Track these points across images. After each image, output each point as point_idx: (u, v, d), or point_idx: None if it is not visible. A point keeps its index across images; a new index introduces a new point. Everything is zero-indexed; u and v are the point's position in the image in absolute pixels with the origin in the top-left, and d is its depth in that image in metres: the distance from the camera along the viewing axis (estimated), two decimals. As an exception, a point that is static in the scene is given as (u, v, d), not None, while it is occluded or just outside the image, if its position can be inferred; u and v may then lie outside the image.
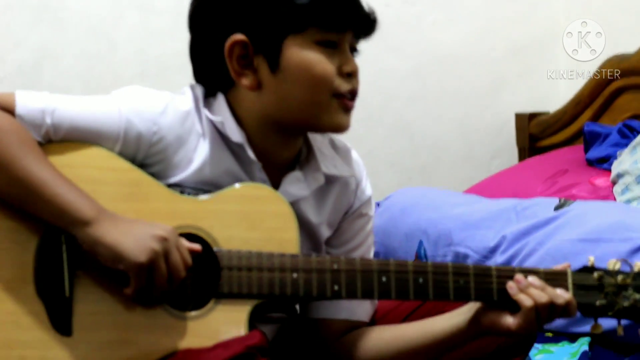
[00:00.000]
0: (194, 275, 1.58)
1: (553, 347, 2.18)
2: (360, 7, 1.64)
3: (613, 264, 1.64)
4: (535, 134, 3.53)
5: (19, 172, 1.51)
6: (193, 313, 1.57)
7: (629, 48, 3.18)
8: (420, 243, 2.64)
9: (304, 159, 1.71)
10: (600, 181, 2.90)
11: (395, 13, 3.42)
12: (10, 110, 1.55)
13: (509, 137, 3.60)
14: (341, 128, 1.65)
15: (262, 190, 1.63)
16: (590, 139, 3.12)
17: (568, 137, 3.44)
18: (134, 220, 1.54)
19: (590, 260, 1.65)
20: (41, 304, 1.53)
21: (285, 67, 1.60)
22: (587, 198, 2.76)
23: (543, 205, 2.50)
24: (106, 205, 1.54)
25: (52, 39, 3.01)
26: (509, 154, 3.60)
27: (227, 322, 1.57)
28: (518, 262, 2.36)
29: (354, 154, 1.78)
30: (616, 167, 2.87)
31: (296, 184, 1.68)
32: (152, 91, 1.64)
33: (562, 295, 1.59)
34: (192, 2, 1.67)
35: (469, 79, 3.56)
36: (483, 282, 1.60)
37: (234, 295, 1.57)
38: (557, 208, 2.47)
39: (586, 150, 3.13)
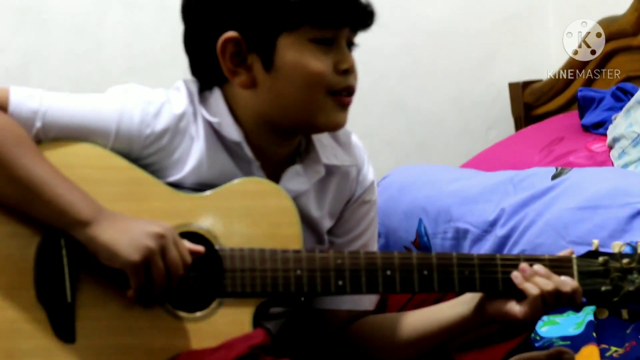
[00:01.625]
0: (196, 275, 1.55)
1: (558, 318, 2.17)
2: (356, 1, 1.58)
3: (618, 247, 1.62)
4: (529, 103, 3.51)
5: (18, 171, 1.48)
6: (197, 314, 1.55)
7: (617, 10, 3.16)
8: (420, 221, 2.63)
9: (303, 150, 1.68)
10: (597, 146, 2.88)
11: (381, -10, 3.40)
12: (3, 106, 1.52)
13: (504, 107, 3.58)
14: (337, 126, 1.63)
15: (263, 184, 1.60)
16: (584, 105, 3.10)
17: (562, 103, 3.41)
18: (133, 218, 1.51)
19: (595, 243, 1.63)
20: (43, 310, 1.50)
21: (279, 66, 1.57)
22: (584, 165, 2.74)
23: (540, 175, 2.49)
24: (106, 205, 1.52)
25: (38, 40, 3.00)
26: (505, 124, 3.59)
27: (231, 322, 1.54)
28: (518, 234, 2.34)
29: (354, 139, 1.75)
30: (612, 131, 2.85)
31: (296, 179, 1.64)
32: (147, 91, 1.60)
33: (569, 282, 1.57)
34: None
35: (460, 52, 3.54)
36: (488, 272, 1.57)
37: (238, 294, 1.55)
38: (554, 177, 2.45)
39: (581, 116, 3.10)
